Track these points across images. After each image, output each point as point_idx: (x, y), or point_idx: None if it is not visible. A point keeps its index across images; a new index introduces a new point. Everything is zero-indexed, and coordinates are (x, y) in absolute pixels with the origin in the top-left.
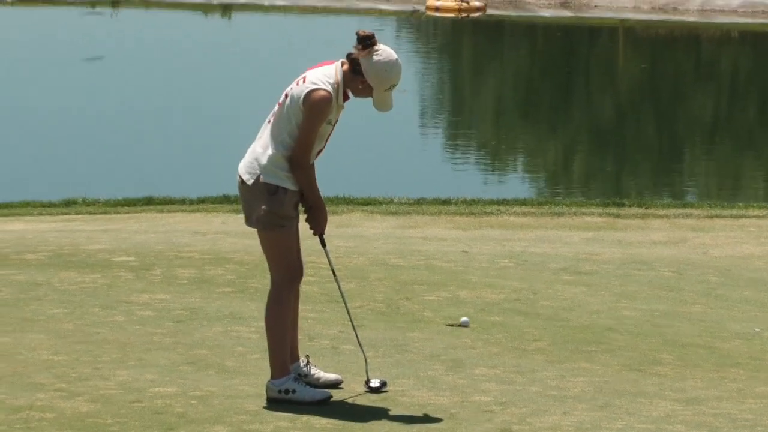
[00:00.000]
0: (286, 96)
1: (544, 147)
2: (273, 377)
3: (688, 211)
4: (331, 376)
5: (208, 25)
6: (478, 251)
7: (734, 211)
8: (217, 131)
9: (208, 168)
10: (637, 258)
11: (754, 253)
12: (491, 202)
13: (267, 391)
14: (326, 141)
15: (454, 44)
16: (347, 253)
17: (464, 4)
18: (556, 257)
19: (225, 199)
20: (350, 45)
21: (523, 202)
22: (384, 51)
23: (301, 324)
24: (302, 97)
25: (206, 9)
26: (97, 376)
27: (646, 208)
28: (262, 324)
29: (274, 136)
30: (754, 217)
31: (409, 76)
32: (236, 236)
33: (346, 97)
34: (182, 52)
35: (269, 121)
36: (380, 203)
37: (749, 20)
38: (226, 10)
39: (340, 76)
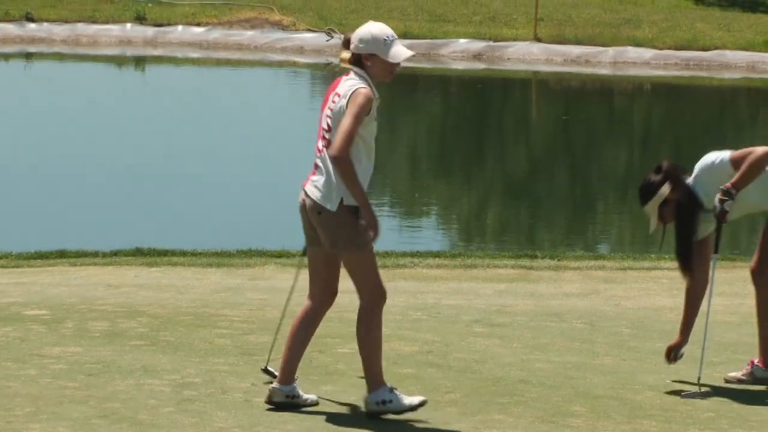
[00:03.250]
0: (329, 117)
1: (457, 199)
2: (369, 391)
3: (600, 263)
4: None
5: (122, 77)
6: (392, 303)
7: (646, 263)
8: (130, 184)
9: (121, 221)
10: (550, 310)
11: (666, 305)
12: (404, 255)
13: (365, 405)
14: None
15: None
16: (260, 305)
17: None
18: (469, 309)
19: (137, 252)
20: (265, 97)
21: (436, 254)
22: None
23: (214, 377)
24: (348, 97)
25: (120, 61)
26: (9, 429)
27: (559, 260)
28: (175, 377)
29: None
30: (666, 269)
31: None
32: (149, 289)
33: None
34: (95, 104)
35: (321, 150)
36: (294, 255)
37: (662, 72)
38: (139, 62)
39: (363, 74)
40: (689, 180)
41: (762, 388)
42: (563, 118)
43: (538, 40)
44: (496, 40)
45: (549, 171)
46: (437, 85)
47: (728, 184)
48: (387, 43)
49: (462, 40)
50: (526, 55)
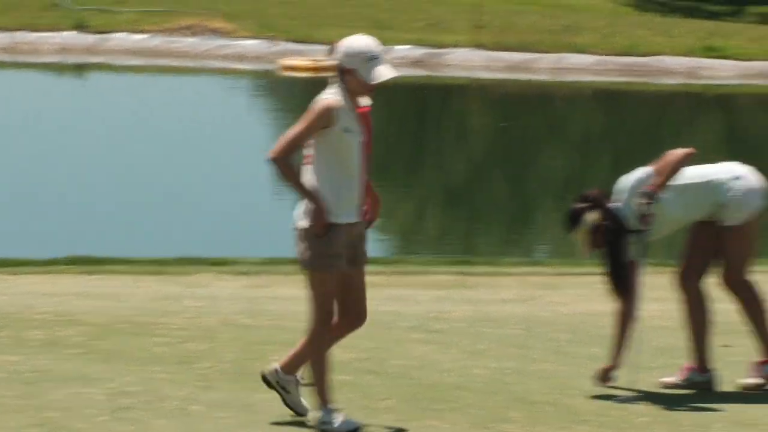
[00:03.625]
0: None
1: (395, 206)
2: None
3: (537, 269)
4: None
5: (62, 85)
6: None
7: (583, 269)
8: (67, 191)
9: (57, 229)
10: (487, 316)
11: (602, 310)
12: None
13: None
14: (363, 157)
15: (309, 103)
16: (197, 313)
17: (318, 63)
18: (407, 316)
19: (74, 260)
20: (205, 104)
21: (373, 261)
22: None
23: (152, 385)
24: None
25: (60, 69)
26: None
27: (496, 266)
28: (112, 385)
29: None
30: (604, 272)
31: (264, 137)
32: (86, 298)
33: (354, 104)
34: (34, 111)
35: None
36: (230, 263)
37: (602, 78)
38: (79, 70)
39: (340, 86)
40: (615, 204)
41: (696, 392)
42: (502, 125)
43: (479, 46)
44: (436, 47)
45: (487, 178)
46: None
47: (648, 186)
48: (368, 60)
49: (402, 47)
50: (467, 62)
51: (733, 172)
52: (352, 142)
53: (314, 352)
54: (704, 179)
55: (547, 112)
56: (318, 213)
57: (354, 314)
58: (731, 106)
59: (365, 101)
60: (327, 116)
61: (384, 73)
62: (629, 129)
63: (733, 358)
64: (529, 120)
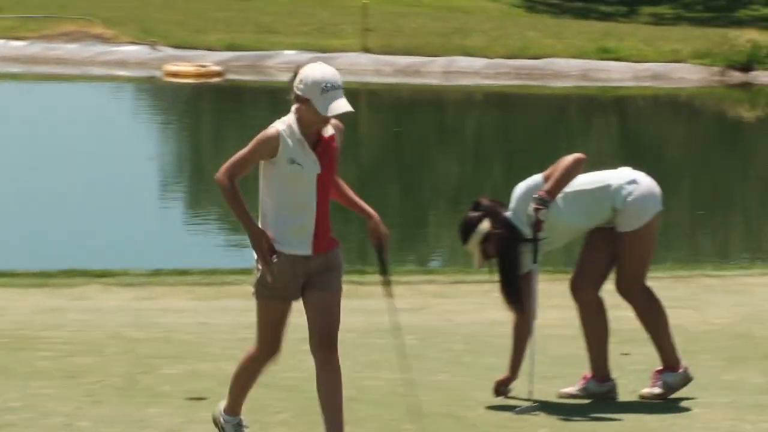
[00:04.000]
0: None
1: None
2: (225, 410)
3: (431, 277)
4: None
5: None
6: (218, 322)
7: (478, 277)
8: None
9: None
10: (381, 326)
11: (499, 318)
12: (231, 272)
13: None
14: (321, 189)
15: (195, 111)
16: (83, 326)
17: (203, 69)
18: (298, 326)
19: None
20: (87, 112)
21: None
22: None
23: (35, 401)
24: None
25: None
26: None
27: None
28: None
29: None
30: (498, 282)
31: (148, 144)
32: None
33: (315, 136)
34: None
35: None
36: (116, 275)
37: (493, 82)
38: None
39: (293, 115)
40: (508, 213)
41: (596, 402)
42: (394, 130)
43: (367, 50)
44: (323, 51)
45: (379, 184)
46: (264, 97)
47: (541, 192)
48: (324, 92)
49: (289, 52)
50: (355, 66)
51: (628, 177)
52: (299, 174)
53: (242, 370)
54: (598, 185)
55: (440, 117)
56: (253, 238)
57: (317, 338)
58: (626, 109)
59: (328, 129)
60: (267, 146)
61: (337, 107)
62: (523, 133)
63: (633, 367)
64: (421, 125)
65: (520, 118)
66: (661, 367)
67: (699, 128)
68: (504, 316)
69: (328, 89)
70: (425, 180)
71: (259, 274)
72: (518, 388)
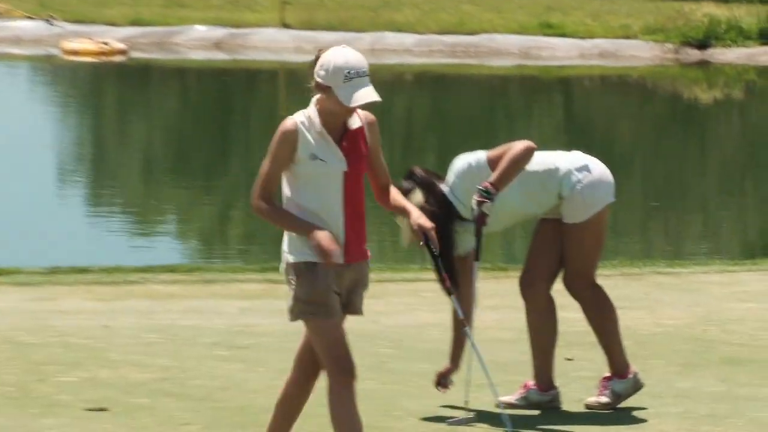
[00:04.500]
0: None
1: (196, 206)
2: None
3: None
4: None
5: None
6: (121, 325)
7: (408, 275)
8: None
9: None
10: (298, 329)
11: (430, 321)
12: (135, 270)
13: None
14: (349, 188)
15: (96, 92)
16: None
17: (105, 47)
18: (209, 330)
19: None
20: None
21: (171, 269)
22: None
23: None
24: None
25: None
26: None
27: None
28: None
29: None
30: (429, 280)
31: (44, 130)
32: None
33: (340, 130)
34: None
35: None
36: (8, 273)
37: (426, 60)
38: None
39: (312, 106)
40: (444, 187)
41: (536, 412)
42: None
43: (286, 26)
44: (238, 27)
45: None
46: (173, 77)
47: (486, 183)
48: (347, 79)
49: (200, 27)
50: (273, 43)
51: (579, 163)
52: (323, 171)
53: (335, 408)
54: (545, 168)
55: None
56: (312, 239)
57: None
58: (571, 90)
59: (354, 121)
60: (287, 142)
61: (362, 96)
62: (459, 118)
63: (578, 373)
64: None
65: (455, 101)
66: (609, 374)
67: (651, 111)
68: (435, 318)
69: (351, 76)
70: None
71: (293, 291)
72: (453, 396)
